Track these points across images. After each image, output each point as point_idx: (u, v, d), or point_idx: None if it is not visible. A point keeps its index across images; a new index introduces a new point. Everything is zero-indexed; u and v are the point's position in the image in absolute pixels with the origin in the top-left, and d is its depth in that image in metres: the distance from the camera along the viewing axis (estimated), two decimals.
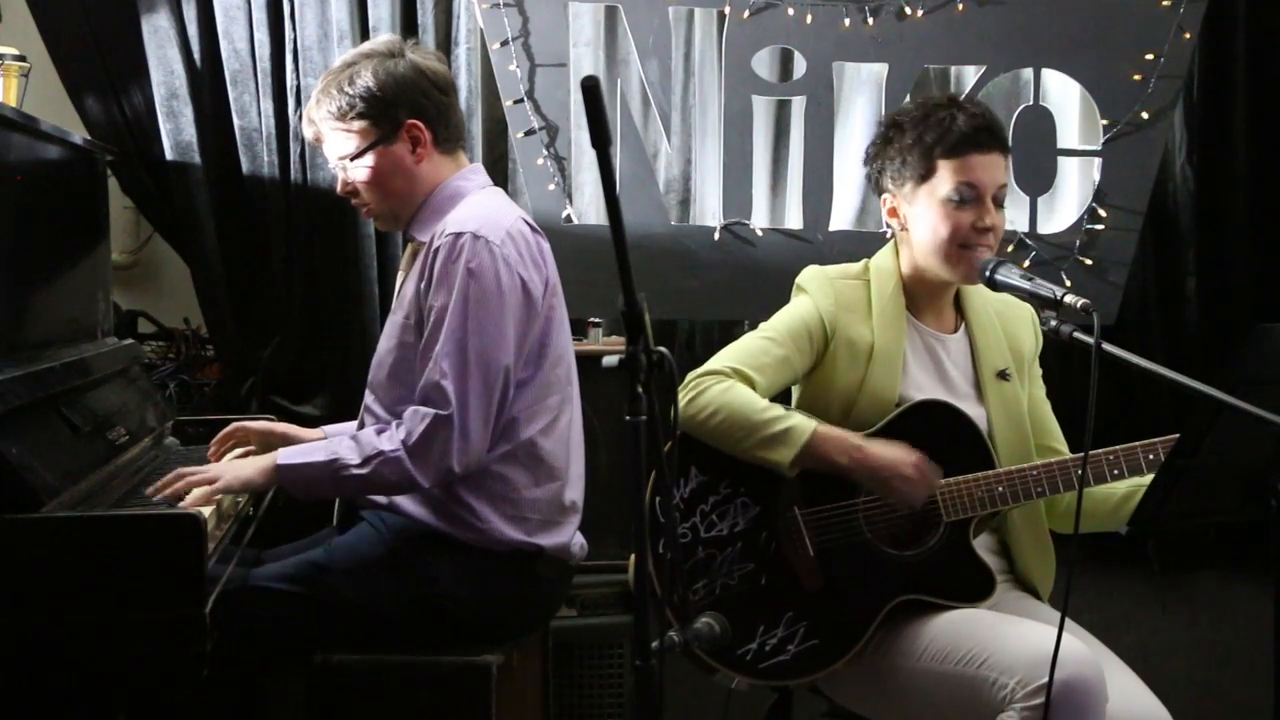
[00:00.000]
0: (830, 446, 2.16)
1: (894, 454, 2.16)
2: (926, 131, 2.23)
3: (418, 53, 2.37)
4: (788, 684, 2.27)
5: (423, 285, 2.26)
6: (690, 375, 2.24)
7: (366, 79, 2.30)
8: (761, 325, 2.33)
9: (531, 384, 2.30)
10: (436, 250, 2.24)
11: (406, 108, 2.31)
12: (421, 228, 2.36)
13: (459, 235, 2.22)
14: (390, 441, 2.19)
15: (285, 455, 2.23)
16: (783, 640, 2.19)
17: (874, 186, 2.36)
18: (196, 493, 2.15)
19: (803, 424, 2.17)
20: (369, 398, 2.40)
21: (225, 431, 2.49)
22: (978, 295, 2.37)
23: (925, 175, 2.23)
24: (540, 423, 2.31)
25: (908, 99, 3.27)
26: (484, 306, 2.20)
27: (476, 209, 2.32)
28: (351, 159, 2.33)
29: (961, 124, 2.22)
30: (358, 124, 2.31)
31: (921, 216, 2.25)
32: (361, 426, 2.41)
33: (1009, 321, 2.38)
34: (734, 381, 2.20)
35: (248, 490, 2.25)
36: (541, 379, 2.31)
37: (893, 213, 2.31)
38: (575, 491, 2.41)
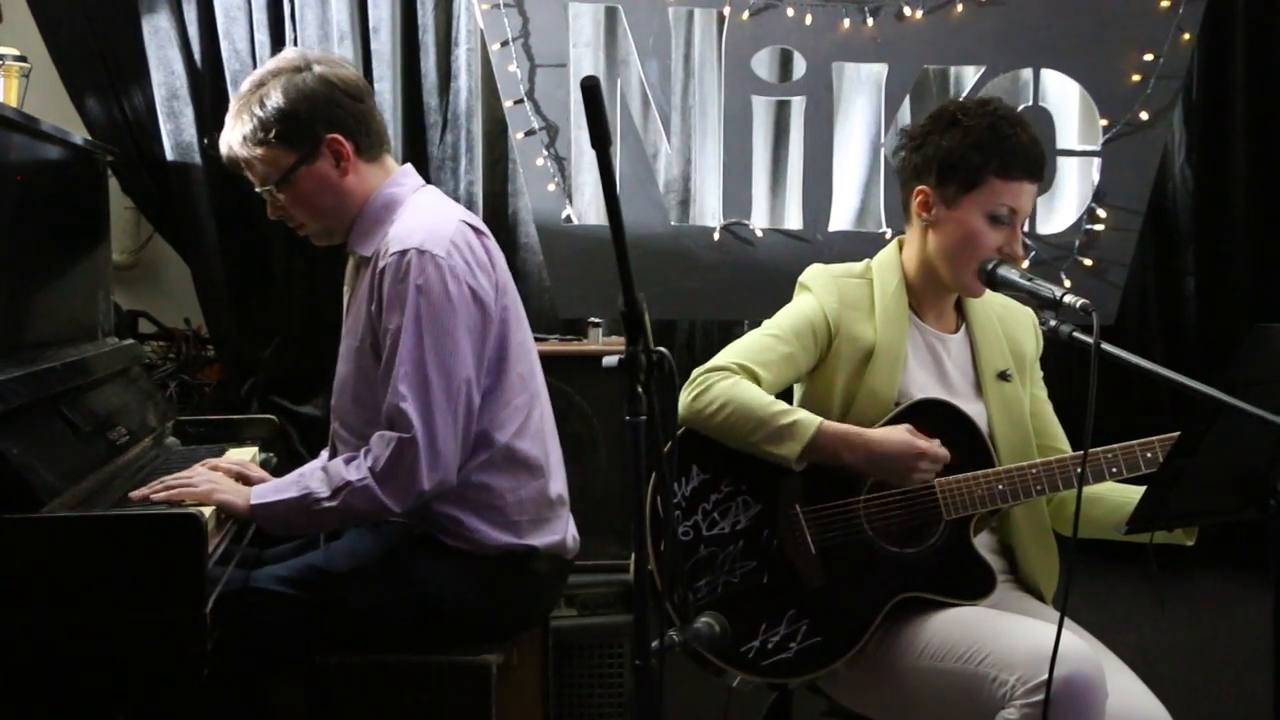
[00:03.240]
0: (836, 442, 2.18)
1: (897, 440, 2.17)
2: (988, 143, 2.21)
3: (326, 63, 2.30)
4: (790, 682, 2.27)
5: (374, 308, 2.23)
6: (696, 371, 2.24)
7: (277, 98, 2.23)
8: (765, 323, 2.33)
9: (498, 390, 2.28)
10: (383, 270, 2.20)
11: (323, 122, 2.25)
12: (361, 241, 2.31)
13: (404, 253, 2.18)
14: (358, 470, 2.17)
15: (259, 494, 2.21)
16: (785, 638, 2.19)
17: (905, 168, 2.32)
18: (176, 494, 2.14)
19: (808, 418, 2.18)
20: (335, 424, 2.37)
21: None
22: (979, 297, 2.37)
23: (973, 185, 2.22)
24: (513, 425, 2.29)
25: (907, 100, 3.28)
26: (437, 323, 2.17)
27: (416, 219, 2.27)
28: (276, 184, 2.28)
29: (1024, 149, 2.21)
30: (276, 147, 2.25)
31: (954, 222, 2.24)
32: (333, 452, 2.39)
33: (1010, 324, 2.39)
34: (740, 377, 2.21)
35: (226, 512, 2.19)
36: (506, 382, 2.29)
37: (924, 205, 2.28)
38: (559, 483, 2.39)
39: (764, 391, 2.21)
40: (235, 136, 2.28)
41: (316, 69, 2.27)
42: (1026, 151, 2.21)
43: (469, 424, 2.22)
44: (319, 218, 2.33)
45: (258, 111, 2.24)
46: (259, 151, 2.26)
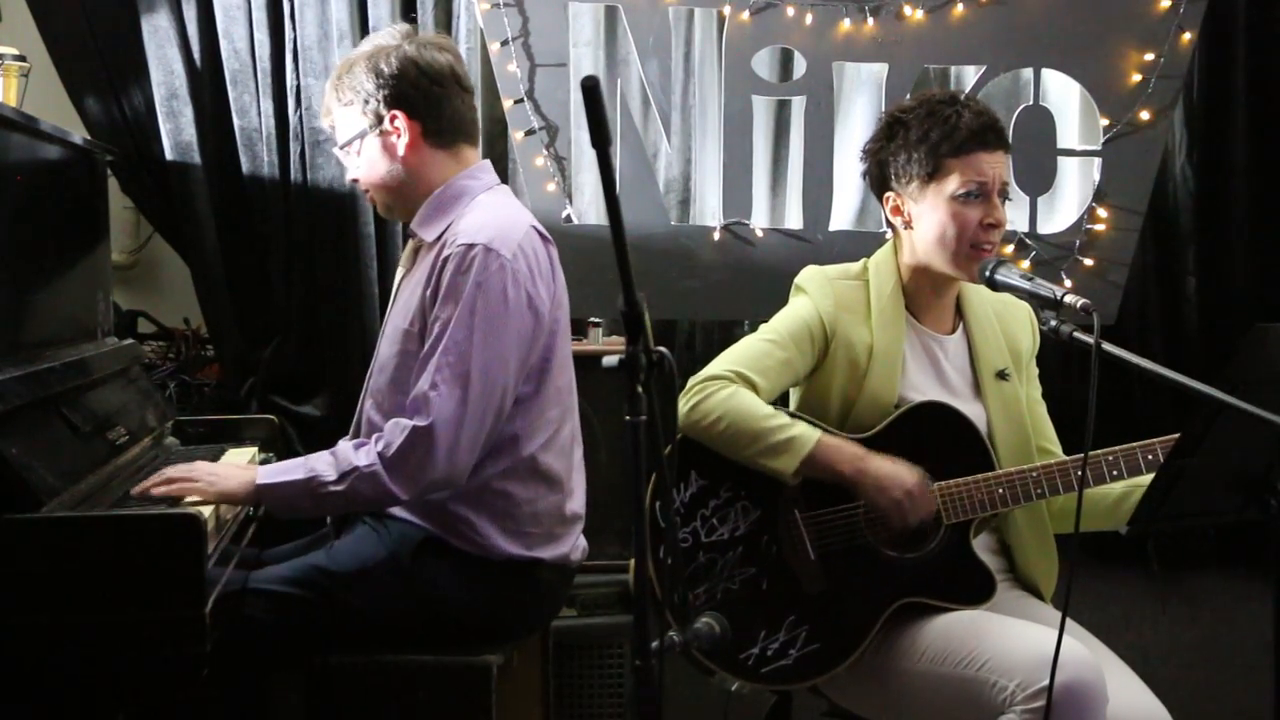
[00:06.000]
0: (834, 456, 2.16)
1: (897, 468, 2.16)
2: (932, 130, 2.23)
3: (418, 42, 2.34)
4: (789, 688, 2.26)
5: (429, 294, 2.23)
6: (693, 380, 2.23)
7: (360, 69, 2.31)
8: (762, 327, 2.32)
9: (535, 400, 2.27)
10: (447, 259, 2.20)
11: (391, 100, 2.29)
12: (425, 225, 2.33)
13: (471, 246, 2.19)
14: (366, 456, 2.16)
15: (264, 474, 2.20)
16: (784, 644, 2.19)
17: (873, 183, 2.35)
18: (177, 488, 2.15)
19: (807, 433, 2.17)
20: (367, 404, 2.36)
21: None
22: (976, 295, 2.36)
23: (932, 174, 2.23)
24: (542, 437, 2.29)
25: (907, 99, 3.27)
26: (489, 323, 2.17)
27: (489, 216, 2.27)
28: (342, 147, 2.36)
29: (968, 122, 2.22)
30: (351, 112, 2.33)
31: (928, 214, 2.24)
32: (356, 434, 2.38)
33: (1007, 321, 2.38)
34: (738, 387, 2.20)
35: (226, 502, 2.20)
36: (545, 393, 2.28)
37: (896, 210, 2.30)
38: (577, 503, 2.38)
39: (762, 402, 2.20)
40: (330, 98, 2.39)
41: (407, 48, 2.32)
42: (971, 125, 2.22)
43: (494, 429, 2.21)
44: (380, 189, 2.37)
45: (345, 78, 2.33)
46: (337, 113, 2.36)
